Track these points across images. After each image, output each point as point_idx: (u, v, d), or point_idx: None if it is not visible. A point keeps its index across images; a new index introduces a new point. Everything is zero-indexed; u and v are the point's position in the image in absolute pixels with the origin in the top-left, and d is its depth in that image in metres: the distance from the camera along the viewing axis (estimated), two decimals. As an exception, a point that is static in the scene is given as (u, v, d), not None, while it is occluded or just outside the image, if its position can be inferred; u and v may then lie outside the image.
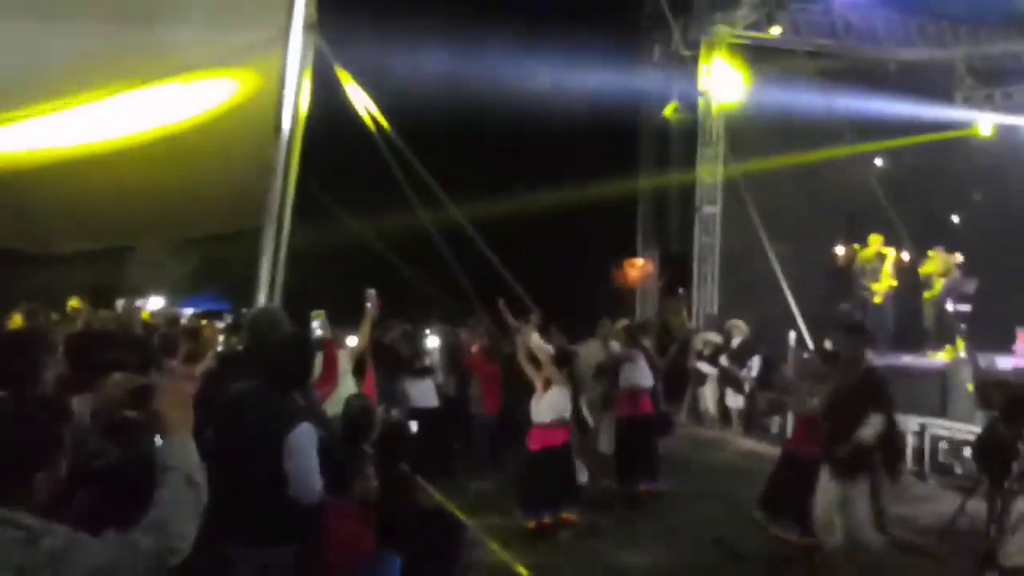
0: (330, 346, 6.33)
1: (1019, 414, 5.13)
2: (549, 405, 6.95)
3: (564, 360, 7.40)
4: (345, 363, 6.40)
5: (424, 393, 9.23)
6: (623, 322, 10.05)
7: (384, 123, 8.57)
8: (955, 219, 15.50)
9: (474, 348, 10.23)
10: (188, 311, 15.31)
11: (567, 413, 7.05)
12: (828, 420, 5.90)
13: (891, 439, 6.18)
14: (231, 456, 3.41)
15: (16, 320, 7.99)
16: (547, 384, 6.98)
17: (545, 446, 6.95)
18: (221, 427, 3.52)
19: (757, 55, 15.84)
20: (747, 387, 12.34)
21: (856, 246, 13.42)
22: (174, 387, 2.49)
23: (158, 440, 2.41)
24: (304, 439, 3.53)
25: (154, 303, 15.31)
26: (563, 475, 7.04)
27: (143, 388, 2.56)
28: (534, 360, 7.12)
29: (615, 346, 9.33)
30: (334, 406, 5.21)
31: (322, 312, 7.17)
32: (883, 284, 12.55)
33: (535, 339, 7.47)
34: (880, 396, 5.82)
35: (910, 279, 12.89)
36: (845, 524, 5.63)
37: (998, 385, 7.68)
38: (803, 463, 6.40)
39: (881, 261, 12.75)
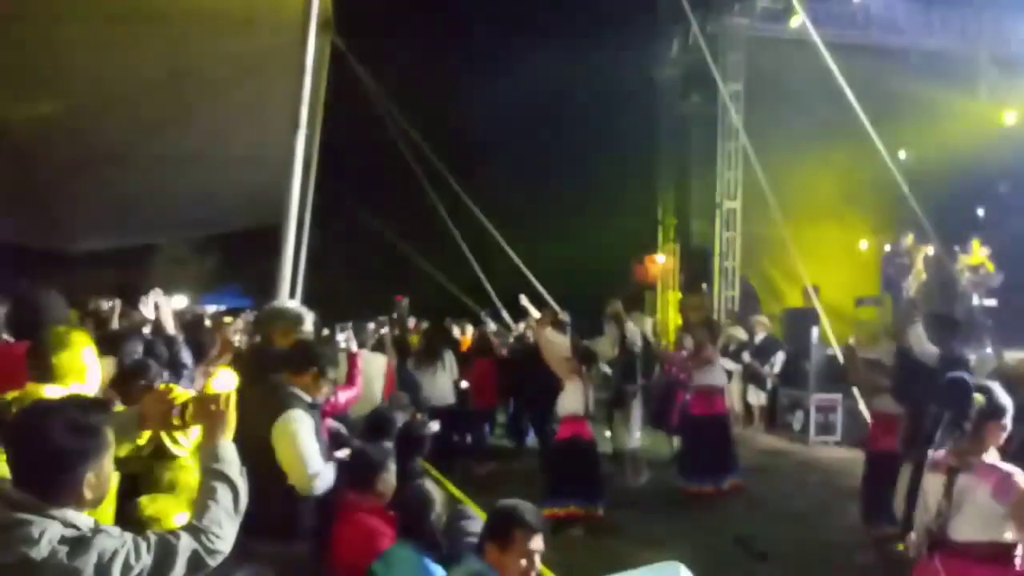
0: (354, 356, 6.46)
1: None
2: (563, 400, 7.23)
3: (586, 357, 7.46)
4: (372, 371, 6.52)
5: (442, 390, 9.27)
6: (699, 313, 9.91)
7: (403, 121, 8.61)
8: (980, 212, 15.27)
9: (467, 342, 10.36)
10: (211, 308, 15.47)
11: (581, 408, 7.17)
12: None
13: None
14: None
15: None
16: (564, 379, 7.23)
17: (560, 439, 7.30)
18: None
19: (777, 47, 15.67)
20: (769, 383, 12.24)
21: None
22: (213, 393, 2.47)
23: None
24: (289, 426, 3.43)
25: (177, 301, 15.47)
26: (577, 469, 7.11)
27: (184, 404, 2.54)
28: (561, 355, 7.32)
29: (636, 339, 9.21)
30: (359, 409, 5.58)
31: (349, 324, 7.41)
32: (916, 279, 12.46)
33: (549, 333, 7.52)
34: None
35: (936, 273, 12.72)
36: None
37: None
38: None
39: (913, 256, 12.64)
